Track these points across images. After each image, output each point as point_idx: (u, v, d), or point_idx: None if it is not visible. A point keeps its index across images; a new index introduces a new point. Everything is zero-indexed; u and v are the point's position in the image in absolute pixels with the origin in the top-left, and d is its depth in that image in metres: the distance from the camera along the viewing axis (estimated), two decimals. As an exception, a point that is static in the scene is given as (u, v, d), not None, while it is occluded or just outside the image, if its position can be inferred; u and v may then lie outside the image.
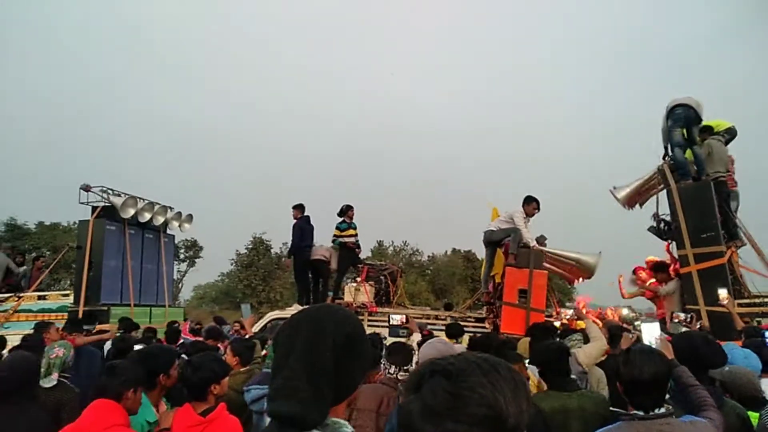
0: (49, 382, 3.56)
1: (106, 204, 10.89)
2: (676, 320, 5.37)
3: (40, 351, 3.90)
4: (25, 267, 12.93)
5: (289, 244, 10.52)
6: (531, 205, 8.35)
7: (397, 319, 6.07)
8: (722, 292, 6.09)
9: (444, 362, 0.86)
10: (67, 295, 11.24)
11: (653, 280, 8.32)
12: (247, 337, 5.45)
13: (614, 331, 4.70)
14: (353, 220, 10.40)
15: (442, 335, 6.10)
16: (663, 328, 4.93)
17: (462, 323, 7.91)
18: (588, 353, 4.23)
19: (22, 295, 10.88)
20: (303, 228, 10.08)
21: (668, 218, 8.22)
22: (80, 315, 9.74)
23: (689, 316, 5.40)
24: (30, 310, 10.49)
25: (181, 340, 6.85)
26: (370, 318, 8.85)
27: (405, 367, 3.27)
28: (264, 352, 5.31)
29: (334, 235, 10.32)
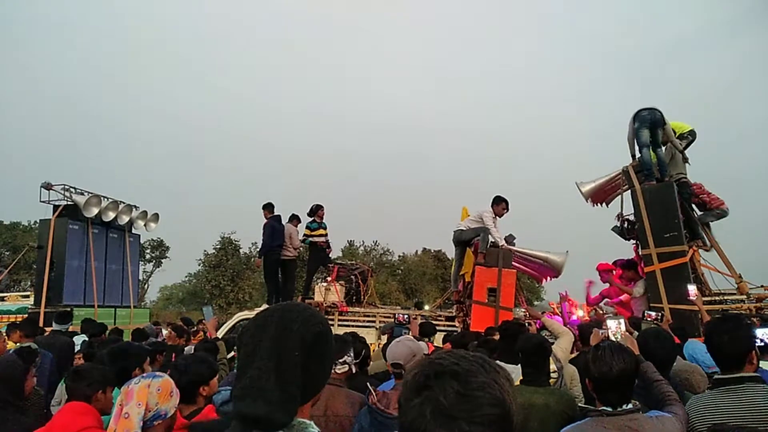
0: (33, 383, 3.48)
1: (69, 203, 10.62)
2: (648, 319, 5.48)
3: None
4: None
5: (260, 244, 10.43)
6: (500, 205, 8.44)
7: (402, 316, 6.24)
8: (692, 289, 6.24)
9: (447, 362, 0.86)
10: (27, 296, 10.93)
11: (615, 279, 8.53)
12: (210, 338, 5.37)
13: (584, 330, 4.79)
14: (323, 220, 10.40)
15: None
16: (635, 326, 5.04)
17: (434, 322, 7.97)
18: (564, 348, 4.28)
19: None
20: (274, 227, 10.00)
21: (632, 218, 8.41)
22: (41, 316, 9.47)
23: (660, 314, 5.52)
24: (-12, 312, 10.17)
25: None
26: (340, 318, 8.84)
27: (340, 361, 3.08)
28: (233, 353, 5.21)
29: (305, 235, 10.31)
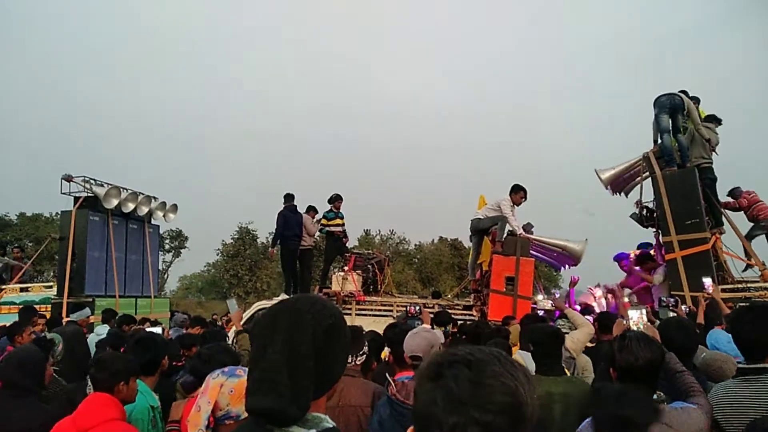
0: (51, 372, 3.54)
1: (89, 194, 10.73)
2: (664, 305, 5.42)
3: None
4: (6, 259, 12.75)
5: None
6: (518, 194, 8.36)
7: (413, 308, 6.27)
8: (707, 281, 6.08)
9: (462, 353, 0.87)
10: (50, 286, 11.09)
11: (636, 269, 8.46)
12: (236, 330, 5.45)
13: (603, 319, 4.74)
14: (340, 210, 10.42)
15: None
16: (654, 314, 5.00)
17: (449, 311, 7.96)
18: (576, 339, 4.26)
19: (3, 287, 10.72)
20: (287, 216, 10.05)
21: (651, 205, 8.29)
22: (64, 307, 9.63)
23: (675, 300, 5.46)
24: (13, 303, 10.35)
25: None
26: (358, 307, 8.87)
27: (359, 354, 3.16)
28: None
29: (321, 224, 10.35)
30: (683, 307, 5.72)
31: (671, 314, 5.29)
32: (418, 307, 6.37)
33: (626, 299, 8.82)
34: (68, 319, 7.32)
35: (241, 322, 5.58)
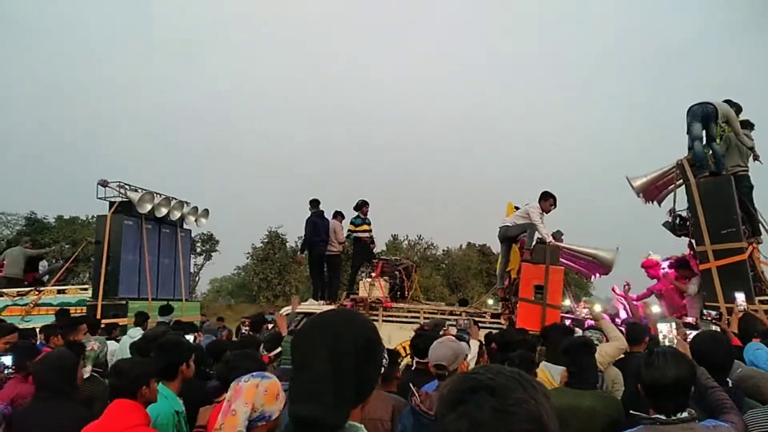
0: (83, 374, 3.66)
1: (124, 199, 11.01)
2: (706, 318, 5.29)
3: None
4: (44, 262, 13.15)
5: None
6: (548, 201, 8.25)
7: (463, 321, 6.23)
8: (740, 297, 5.78)
9: (483, 378, 0.85)
10: (85, 289, 11.38)
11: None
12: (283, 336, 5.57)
13: (631, 331, 4.65)
14: (367, 216, 10.45)
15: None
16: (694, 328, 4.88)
17: (477, 319, 7.91)
18: (605, 353, 4.17)
19: (42, 289, 11.05)
20: (315, 222, 10.13)
21: (684, 214, 8.09)
22: (99, 309, 9.89)
23: (719, 313, 5.32)
24: (50, 304, 10.65)
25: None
26: (385, 313, 8.87)
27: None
28: (278, 349, 5.32)
29: (349, 230, 10.40)
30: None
31: (714, 328, 5.14)
32: (467, 321, 6.29)
33: (656, 308, 8.67)
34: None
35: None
